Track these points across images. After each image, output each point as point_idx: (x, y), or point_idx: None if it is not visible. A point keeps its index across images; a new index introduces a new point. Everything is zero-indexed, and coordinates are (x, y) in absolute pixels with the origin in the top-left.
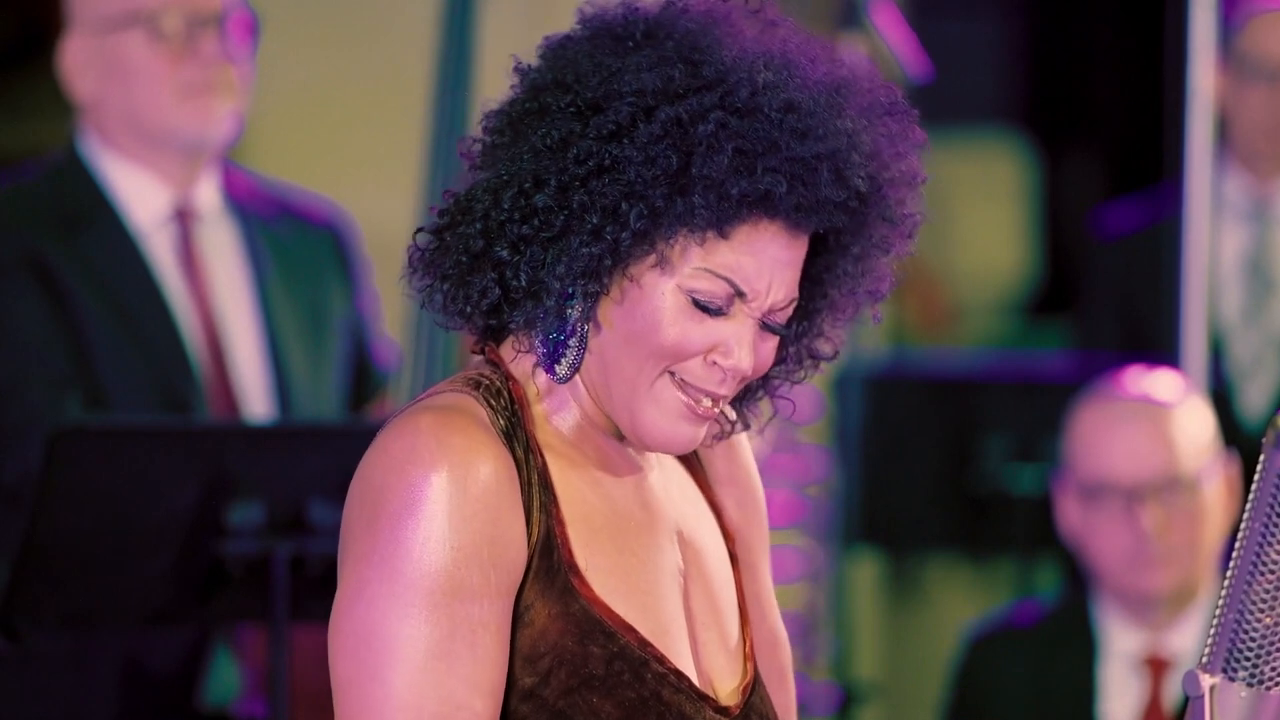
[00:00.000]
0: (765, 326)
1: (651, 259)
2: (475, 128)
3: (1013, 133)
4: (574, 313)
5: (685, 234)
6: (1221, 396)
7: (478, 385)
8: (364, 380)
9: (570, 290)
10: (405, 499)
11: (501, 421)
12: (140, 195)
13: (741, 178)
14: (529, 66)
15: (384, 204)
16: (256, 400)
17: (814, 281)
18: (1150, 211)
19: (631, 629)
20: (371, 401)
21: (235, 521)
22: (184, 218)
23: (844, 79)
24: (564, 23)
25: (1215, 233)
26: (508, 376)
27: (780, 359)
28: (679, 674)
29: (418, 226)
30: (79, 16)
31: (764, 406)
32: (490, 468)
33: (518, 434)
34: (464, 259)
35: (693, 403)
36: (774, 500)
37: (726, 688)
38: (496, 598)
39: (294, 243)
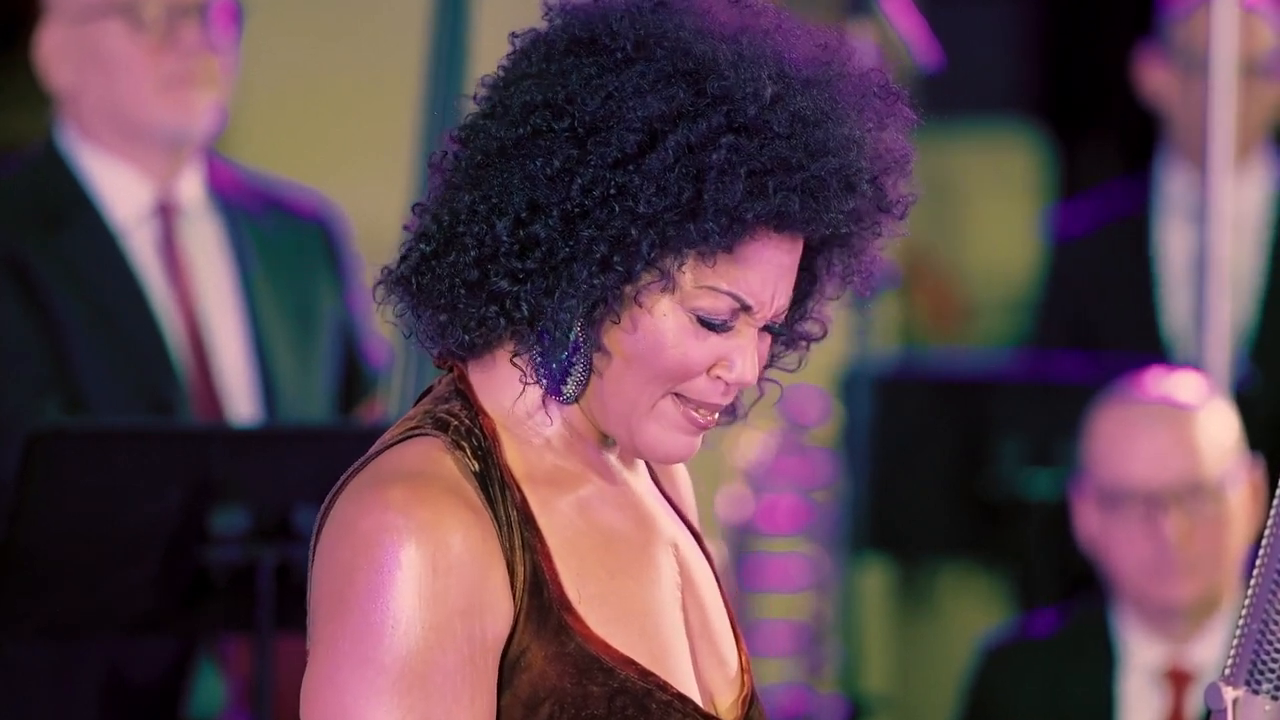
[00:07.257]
0: (764, 328)
1: (656, 281)
2: (447, 139)
3: (1026, 124)
4: (577, 337)
5: (693, 255)
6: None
7: (446, 427)
8: (354, 380)
9: (577, 319)
10: (374, 580)
11: (475, 464)
12: (121, 190)
13: (755, 200)
14: (503, 78)
15: (374, 197)
16: (241, 401)
17: (804, 269)
18: None
19: (630, 661)
20: (362, 402)
21: (219, 527)
22: (166, 212)
23: (837, 72)
24: None
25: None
26: (478, 412)
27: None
28: (683, 698)
29: (400, 252)
30: (57, 5)
31: (747, 392)
32: (460, 536)
33: (492, 474)
34: (461, 290)
35: (694, 414)
36: (780, 505)
37: (725, 702)
38: (472, 668)
39: (281, 237)
